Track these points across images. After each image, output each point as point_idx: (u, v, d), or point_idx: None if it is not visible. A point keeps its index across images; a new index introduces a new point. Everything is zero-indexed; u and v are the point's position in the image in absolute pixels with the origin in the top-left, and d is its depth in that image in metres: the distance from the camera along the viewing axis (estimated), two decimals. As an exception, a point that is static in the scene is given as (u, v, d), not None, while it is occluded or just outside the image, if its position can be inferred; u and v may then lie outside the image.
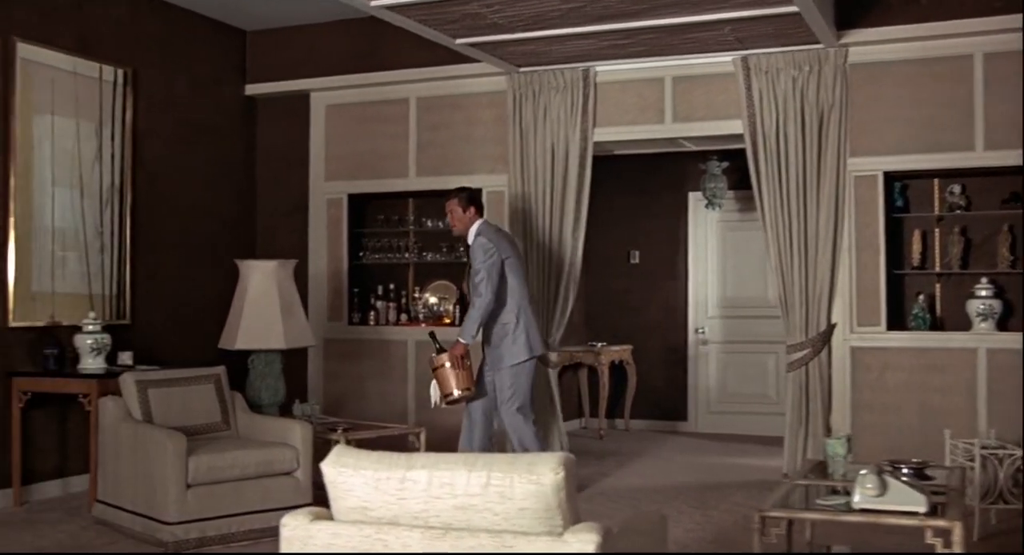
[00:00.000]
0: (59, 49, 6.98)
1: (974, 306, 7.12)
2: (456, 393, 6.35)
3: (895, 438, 6.91)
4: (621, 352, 10.30)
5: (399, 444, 7.54)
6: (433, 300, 8.63)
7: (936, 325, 7.33)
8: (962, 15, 6.70)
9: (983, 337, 6.94)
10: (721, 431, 10.33)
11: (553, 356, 7.83)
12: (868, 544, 5.46)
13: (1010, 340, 6.80)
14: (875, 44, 6.96)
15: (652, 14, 6.35)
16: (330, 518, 2.81)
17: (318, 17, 8.37)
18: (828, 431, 7.03)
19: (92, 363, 6.73)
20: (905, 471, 4.37)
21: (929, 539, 3.80)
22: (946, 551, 3.72)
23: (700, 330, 10.54)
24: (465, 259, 7.57)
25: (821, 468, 4.86)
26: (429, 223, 8.52)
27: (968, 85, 6.86)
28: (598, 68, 7.67)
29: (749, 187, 10.11)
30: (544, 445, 6.55)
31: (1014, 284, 7.20)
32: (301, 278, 7.71)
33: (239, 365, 7.10)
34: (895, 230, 7.34)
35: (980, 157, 6.87)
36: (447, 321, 8.46)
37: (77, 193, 7.12)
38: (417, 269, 8.81)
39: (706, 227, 10.57)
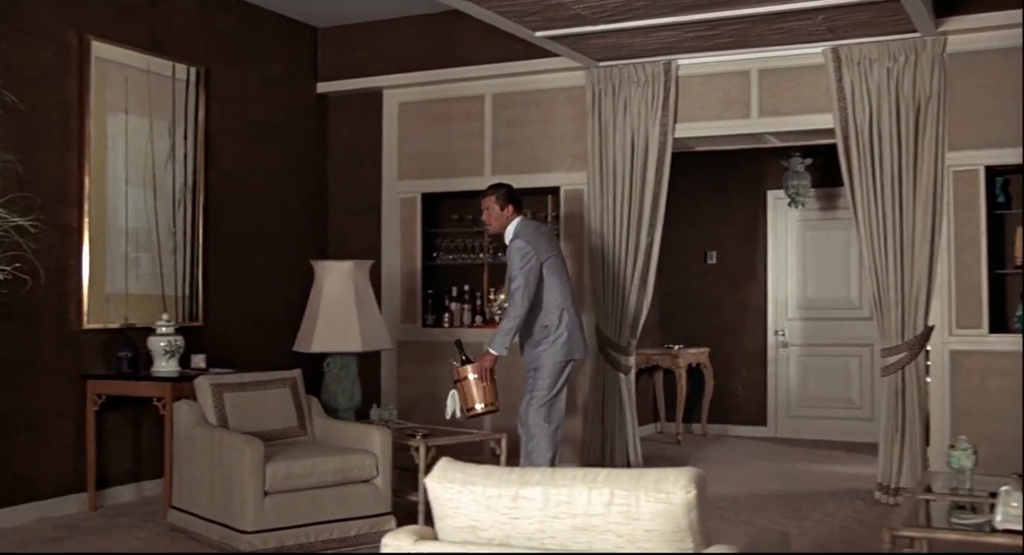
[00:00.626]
0: (133, 47, 6.87)
1: (1081, 307, 6.76)
2: (480, 407, 6.05)
3: (998, 447, 6.55)
4: (698, 355, 10.02)
5: (476, 450, 7.36)
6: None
7: (1041, 328, 6.97)
8: (1070, 0, 6.35)
9: (1092, 340, 6.57)
10: (802, 436, 10.00)
11: (630, 359, 7.58)
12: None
13: (1122, 343, 6.43)
14: (976, 32, 6.62)
15: (743, 3, 6.08)
16: (435, 538, 2.59)
17: (390, 13, 8.20)
18: (926, 439, 6.70)
19: (165, 366, 6.60)
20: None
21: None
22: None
23: (780, 332, 10.22)
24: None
25: (939, 480, 4.55)
26: (504, 223, 8.29)
27: (1075, 74, 6.51)
28: (680, 61, 7.41)
29: (831, 184, 9.94)
30: (553, 454, 6.10)
31: (1124, 284, 6.83)
32: (374, 279, 7.52)
33: (313, 368, 6.94)
34: (996, 227, 6.98)
35: (1089, 150, 6.51)
36: (523, 323, 8.23)
37: (150, 193, 7.01)
38: (492, 270, 8.59)
39: (785, 226, 10.25)
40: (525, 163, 7.98)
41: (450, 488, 2.51)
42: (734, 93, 7.38)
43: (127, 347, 6.63)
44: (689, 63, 7.42)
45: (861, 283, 9.88)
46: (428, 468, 5.86)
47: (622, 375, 7.49)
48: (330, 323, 6.46)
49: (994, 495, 3.66)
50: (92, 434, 6.48)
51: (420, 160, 8.36)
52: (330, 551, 5.47)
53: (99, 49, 6.62)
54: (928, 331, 6.73)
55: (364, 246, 8.49)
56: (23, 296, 5.80)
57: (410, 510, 6.07)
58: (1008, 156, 6.65)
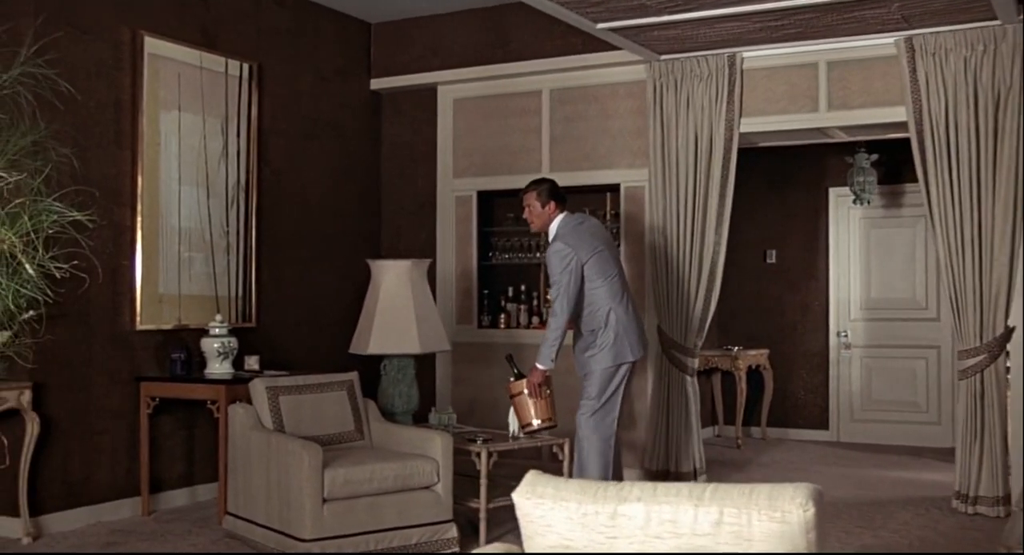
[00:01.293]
0: (186, 43, 6.75)
1: None
2: (536, 423, 5.83)
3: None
4: (758, 356, 9.77)
5: (535, 455, 7.17)
6: (566, 302, 8.19)
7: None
8: None
9: None
10: (866, 441, 9.72)
11: (694, 361, 7.36)
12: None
13: None
14: (1059, 20, 6.33)
15: (815, -9, 5.84)
16: (523, 557, 2.40)
17: (445, 7, 8.03)
18: (1005, 445, 6.41)
19: (219, 368, 6.46)
20: None
21: None
22: None
23: (842, 333, 9.93)
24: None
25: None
26: (562, 221, 8.09)
27: None
28: (745, 54, 7.17)
29: (896, 181, 9.66)
30: (608, 467, 5.76)
31: None
32: (429, 279, 7.35)
33: (368, 370, 6.79)
34: (1080, 224, 6.68)
35: None
36: (581, 324, 8.03)
37: (203, 192, 6.88)
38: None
39: (848, 224, 9.96)
40: (583, 160, 7.77)
41: (541, 504, 2.32)
42: (801, 86, 7.12)
43: (180, 349, 6.50)
44: (754, 55, 7.17)
45: (927, 283, 9.59)
46: (489, 474, 5.68)
47: (688, 377, 7.26)
48: (387, 324, 6.28)
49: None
50: (146, 437, 6.35)
51: (476, 157, 8.17)
52: (390, 560, 5.30)
53: (152, 45, 6.50)
54: (1008, 332, 6.44)
55: (418, 246, 8.33)
56: (76, 296, 5.68)
57: (471, 518, 5.89)
58: (1093, 149, 6.36)
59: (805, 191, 10.07)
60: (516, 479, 6.35)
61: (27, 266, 2.71)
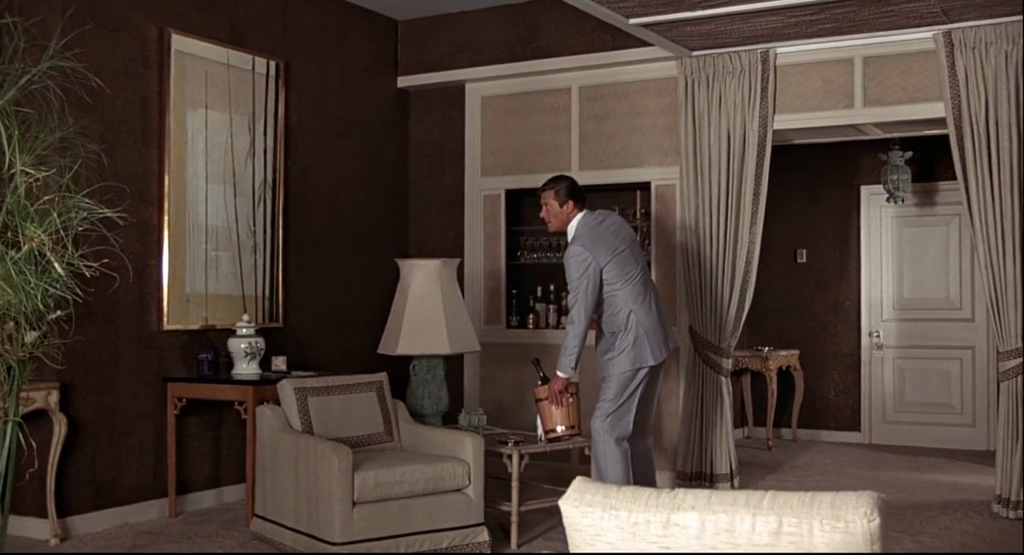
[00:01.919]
0: (213, 40, 6.68)
1: None
2: (559, 430, 5.73)
3: None
4: (788, 357, 9.64)
5: (563, 456, 7.07)
6: (595, 302, 8.09)
7: None
8: None
9: None
10: (898, 443, 9.57)
11: (728, 362, 7.24)
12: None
13: None
14: (1103, 13, 6.19)
15: (854, -16, 5.72)
16: (570, 567, 2.30)
17: (473, 3, 7.94)
18: (1047, 448, 6.27)
19: (246, 368, 6.40)
20: None
21: None
22: None
23: (874, 334, 9.79)
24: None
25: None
26: (592, 220, 7.98)
27: None
28: (779, 49, 7.05)
29: (929, 179, 9.50)
30: (626, 472, 5.57)
31: None
32: (457, 279, 7.27)
33: (396, 371, 6.71)
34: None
35: None
36: (611, 324, 7.93)
37: (230, 190, 6.81)
38: (578, 269, 8.29)
39: (880, 223, 9.81)
40: (614, 158, 7.67)
41: (590, 513, 2.22)
42: (836, 82, 7.00)
43: (207, 349, 6.44)
44: (788, 51, 7.05)
45: (962, 282, 9.44)
46: (521, 477, 5.59)
47: (721, 378, 7.15)
48: (416, 324, 6.18)
49: None
50: (173, 438, 6.29)
51: (504, 156, 8.07)
52: (420, 564, 5.22)
53: (179, 42, 6.44)
54: (1050, 333, 6.30)
55: (446, 245, 8.24)
56: (105, 296, 5.63)
57: (502, 521, 5.80)
58: None
59: (836, 189, 9.93)
60: (546, 481, 6.28)
61: (56, 265, 2.64)
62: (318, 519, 5.08)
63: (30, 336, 2.92)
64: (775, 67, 7.07)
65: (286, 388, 5.60)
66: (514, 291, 8.19)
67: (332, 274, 7.67)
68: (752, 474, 7.83)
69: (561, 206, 5.79)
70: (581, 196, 5.86)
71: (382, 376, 5.91)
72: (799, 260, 10.12)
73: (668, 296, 7.45)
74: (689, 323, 7.23)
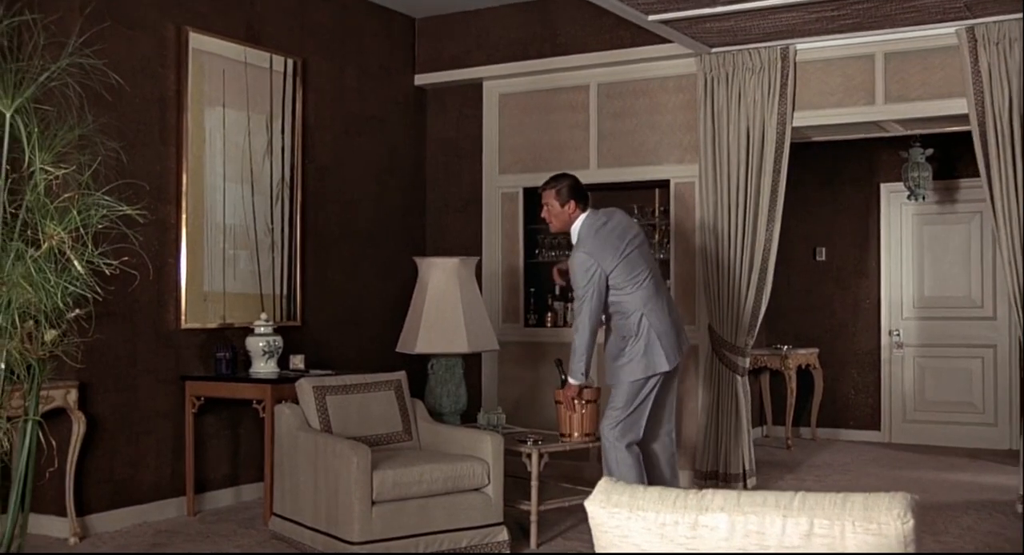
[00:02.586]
0: (230, 39, 6.67)
1: None
2: (577, 435, 5.72)
3: None
4: (808, 356, 9.58)
5: (582, 455, 7.03)
6: (614, 300, 8.04)
7: None
8: None
9: None
10: (919, 442, 9.50)
11: (745, 360, 7.19)
12: None
13: None
14: None
15: (876, -21, 5.67)
16: (596, 569, 2.27)
17: (490, 1, 7.91)
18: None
19: (264, 367, 6.38)
20: None
21: None
22: None
23: (894, 332, 9.72)
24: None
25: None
26: (610, 218, 7.94)
27: None
28: (799, 46, 6.99)
29: (951, 176, 9.43)
30: (640, 476, 5.41)
31: None
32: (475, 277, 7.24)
33: (414, 369, 6.68)
34: None
35: None
36: (629, 323, 7.88)
37: (248, 188, 6.80)
38: (596, 267, 8.25)
39: (900, 221, 9.74)
40: (632, 155, 7.63)
41: (616, 513, 2.18)
42: (857, 79, 6.94)
43: (225, 348, 6.42)
44: (808, 47, 7.00)
45: (983, 280, 9.36)
46: (540, 476, 5.55)
47: (738, 377, 7.10)
48: (435, 323, 6.15)
49: None
50: (191, 437, 6.29)
51: (522, 153, 8.04)
52: (440, 563, 5.19)
53: (197, 41, 6.43)
54: (1075, 331, 6.24)
55: (463, 243, 8.21)
56: (125, 294, 5.62)
57: (521, 520, 5.77)
58: None
59: (856, 187, 9.87)
60: (565, 480, 6.24)
61: (76, 263, 2.62)
62: (337, 518, 5.06)
63: (50, 335, 2.90)
64: (795, 64, 7.01)
65: (305, 387, 5.58)
66: (532, 289, 8.15)
67: (349, 272, 7.66)
68: (771, 473, 7.78)
69: (562, 206, 5.57)
70: (584, 196, 5.64)
71: (401, 375, 5.89)
72: (818, 258, 10.05)
73: (687, 294, 7.41)
74: (708, 321, 7.18)
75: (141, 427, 6.12)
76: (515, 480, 5.78)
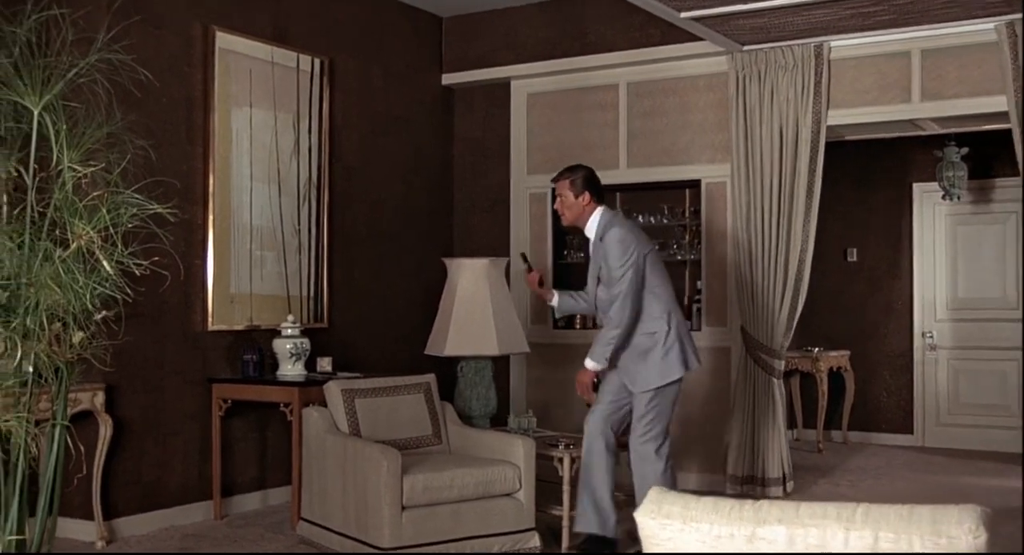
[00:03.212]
0: (257, 38, 6.60)
1: None
2: None
3: None
4: (839, 358, 9.44)
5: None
6: (644, 302, 7.93)
7: None
8: None
9: None
10: (952, 446, 9.35)
11: (781, 363, 7.07)
12: None
13: None
14: None
15: (915, -27, 5.55)
16: (647, 582, 2.17)
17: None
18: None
19: (291, 369, 6.31)
20: None
21: None
22: None
23: (928, 334, 9.57)
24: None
25: None
26: (641, 219, 7.84)
27: None
28: (833, 43, 6.87)
29: (986, 175, 9.28)
30: (672, 485, 5.09)
31: None
32: (503, 278, 7.15)
33: (443, 372, 6.60)
34: None
35: None
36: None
37: (275, 189, 6.73)
38: (625, 268, 8.14)
39: (934, 221, 9.60)
40: (662, 155, 7.52)
41: (668, 525, 2.09)
42: (892, 76, 6.81)
43: (252, 350, 6.35)
44: (842, 45, 6.88)
45: (1019, 281, 9.20)
46: (573, 480, 5.46)
47: (774, 380, 6.98)
48: (464, 325, 6.07)
49: None
50: (218, 440, 6.22)
51: (550, 153, 7.93)
52: (471, 569, 5.10)
53: (223, 40, 6.37)
54: (1118, 334, 6.09)
55: (491, 243, 8.12)
56: (153, 295, 5.55)
57: (552, 526, 5.67)
58: None
59: (888, 187, 9.73)
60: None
61: (105, 263, 2.55)
62: (367, 523, 4.98)
63: (77, 337, 2.83)
64: (829, 61, 6.89)
65: (333, 389, 5.51)
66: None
67: (376, 273, 7.58)
68: (804, 478, 7.65)
69: (576, 197, 5.27)
70: (600, 189, 5.37)
71: (430, 377, 5.81)
72: (849, 259, 9.92)
73: (719, 296, 7.30)
74: (741, 323, 7.07)
75: (168, 430, 6.06)
76: (546, 484, 5.68)
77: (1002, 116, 6.49)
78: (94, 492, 5.51)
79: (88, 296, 2.58)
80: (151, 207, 2.55)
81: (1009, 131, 6.41)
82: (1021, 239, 9.00)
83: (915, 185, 9.61)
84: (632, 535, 5.05)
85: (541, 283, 5.57)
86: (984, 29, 6.41)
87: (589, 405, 5.41)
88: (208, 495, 6.25)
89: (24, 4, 2.74)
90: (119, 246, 2.57)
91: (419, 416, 5.62)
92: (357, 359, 7.15)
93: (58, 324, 2.71)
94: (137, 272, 2.64)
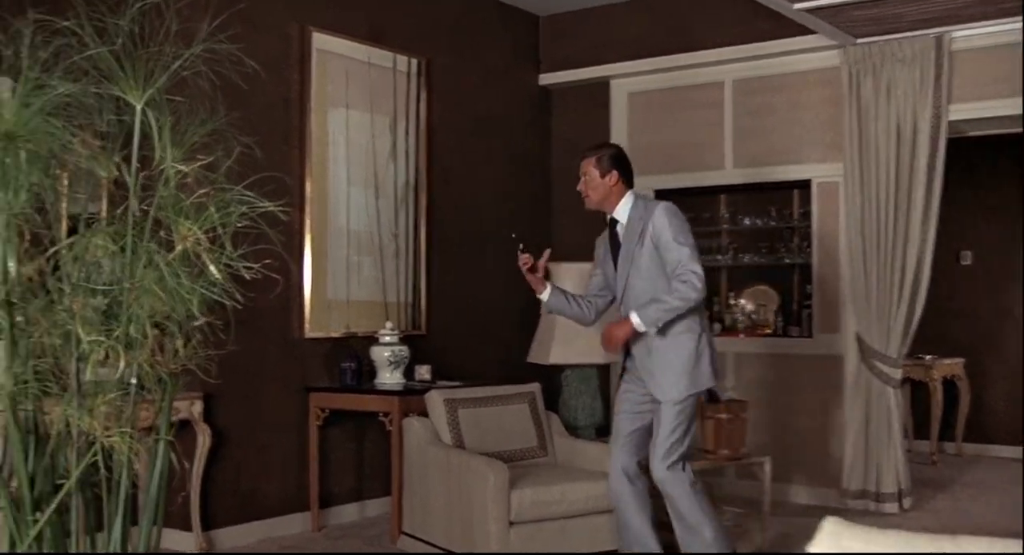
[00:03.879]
0: (353, 38, 6.46)
1: None
2: (723, 452, 5.38)
3: None
4: (953, 366, 9.02)
5: (719, 470, 6.65)
6: (751, 307, 7.64)
7: None
8: None
9: None
10: (1074, 459, 8.87)
11: (899, 372, 6.70)
12: None
13: None
14: None
15: (1052, -45, 5.19)
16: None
17: (617, -4, 7.59)
18: None
19: (390, 378, 6.14)
20: None
21: None
22: None
23: (1048, 341, 9.10)
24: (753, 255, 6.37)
25: None
26: (747, 221, 7.55)
27: None
28: (954, 34, 6.51)
29: (1111, 174, 8.79)
30: (710, 507, 4.59)
31: None
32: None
33: (545, 380, 6.37)
34: None
35: None
36: (767, 331, 7.47)
37: (372, 193, 6.58)
38: (731, 273, 7.86)
39: (1054, 222, 9.13)
40: (771, 154, 7.21)
41: (849, 561, 1.83)
42: (1017, 67, 6.42)
43: (350, 358, 6.20)
44: (964, 35, 6.51)
45: None
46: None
47: (891, 389, 6.62)
48: (569, 332, 5.83)
49: None
50: (315, 451, 6.08)
51: (652, 154, 7.66)
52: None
53: (320, 41, 6.24)
54: None
55: (591, 247, 7.85)
56: (262, 300, 5.40)
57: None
58: None
59: (1005, 185, 9.27)
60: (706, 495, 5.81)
61: (212, 267, 2.38)
62: (473, 539, 4.78)
63: (181, 346, 2.67)
64: (950, 53, 6.53)
65: (436, 399, 5.32)
66: (663, 296, 7.77)
67: (474, 279, 7.39)
68: (921, 492, 7.27)
69: (603, 176, 4.70)
70: (630, 171, 4.80)
71: (535, 387, 5.59)
72: (963, 262, 9.49)
73: (832, 300, 6.97)
74: (855, 330, 6.73)
75: (265, 439, 5.94)
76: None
77: None
78: (192, 502, 5.40)
79: (196, 302, 2.41)
80: (263, 205, 2.38)
81: None
82: None
83: (1034, 184, 9.16)
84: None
85: (535, 270, 4.95)
86: (1122, 15, 6.01)
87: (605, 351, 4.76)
88: (305, 506, 6.11)
89: (124, -7, 2.61)
90: (228, 247, 2.40)
91: (524, 427, 5.41)
92: (454, 367, 6.96)
93: (158, 332, 2.56)
94: (247, 276, 2.46)
